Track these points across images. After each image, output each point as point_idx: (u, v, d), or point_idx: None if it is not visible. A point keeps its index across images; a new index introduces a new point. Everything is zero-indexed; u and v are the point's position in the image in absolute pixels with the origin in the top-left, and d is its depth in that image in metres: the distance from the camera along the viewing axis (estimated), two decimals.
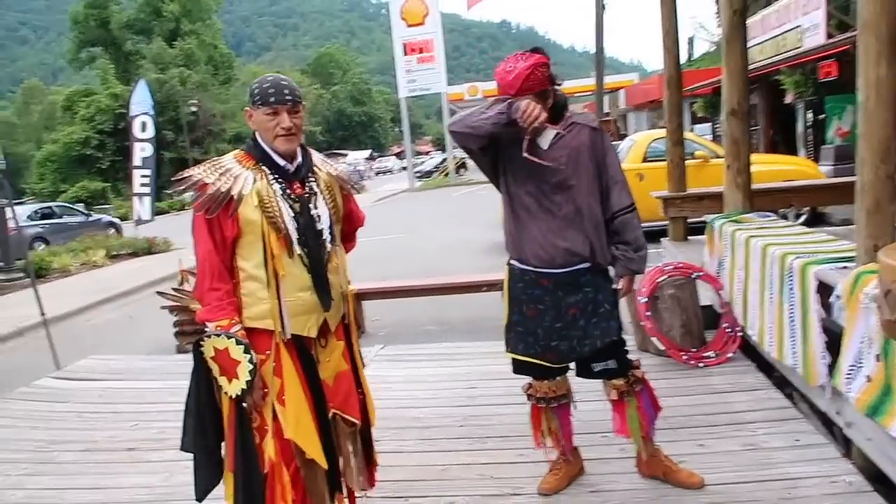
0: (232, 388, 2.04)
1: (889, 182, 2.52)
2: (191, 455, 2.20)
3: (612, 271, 2.65)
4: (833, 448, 2.89)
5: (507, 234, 2.64)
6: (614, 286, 2.62)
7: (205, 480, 2.19)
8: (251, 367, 2.01)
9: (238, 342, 2.02)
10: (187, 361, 2.19)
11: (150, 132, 14.14)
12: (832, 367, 2.79)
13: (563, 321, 2.55)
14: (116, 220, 20.62)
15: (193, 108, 35.83)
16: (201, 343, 2.06)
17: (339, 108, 67.92)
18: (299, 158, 2.20)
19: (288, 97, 2.11)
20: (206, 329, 2.06)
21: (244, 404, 2.08)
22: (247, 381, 2.01)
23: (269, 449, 2.07)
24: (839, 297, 2.60)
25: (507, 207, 2.61)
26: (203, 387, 2.12)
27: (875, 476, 2.59)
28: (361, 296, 6.12)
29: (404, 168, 38.58)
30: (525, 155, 2.38)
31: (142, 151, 13.97)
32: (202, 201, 2.04)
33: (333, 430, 2.24)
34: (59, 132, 40.13)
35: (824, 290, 2.84)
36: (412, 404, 3.82)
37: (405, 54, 29.56)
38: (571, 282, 2.53)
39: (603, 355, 2.58)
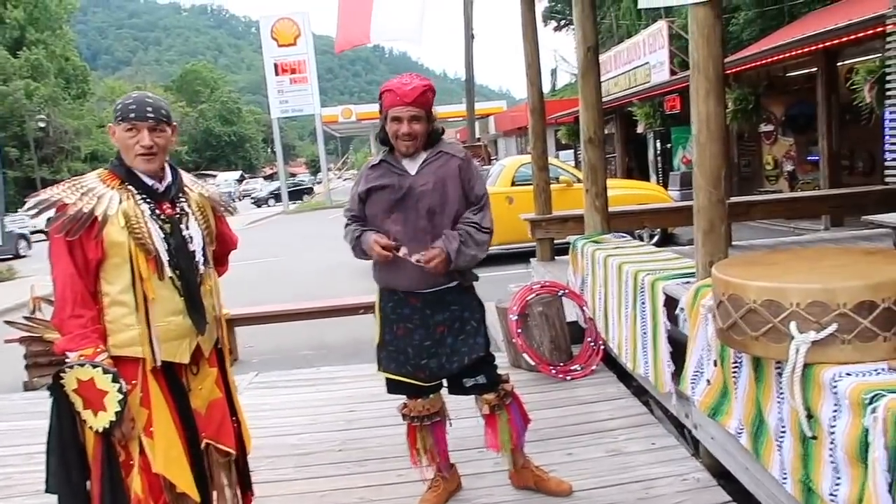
0: (98, 421, 1.92)
1: (720, 205, 2.83)
2: (55, 497, 2.05)
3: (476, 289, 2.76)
4: (683, 449, 3.17)
5: (374, 265, 2.67)
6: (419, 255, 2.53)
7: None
8: (120, 396, 1.91)
9: (105, 371, 1.92)
10: (37, 399, 2.04)
11: None
12: (679, 374, 3.07)
13: (432, 339, 2.63)
14: None
15: (42, 124, 33.05)
16: (62, 375, 1.93)
17: (207, 127, 65.22)
18: (168, 178, 2.14)
19: (150, 114, 2.04)
20: (66, 360, 1.93)
21: (113, 437, 1.97)
22: (116, 413, 1.91)
23: (136, 485, 1.97)
24: (683, 310, 2.88)
25: None
26: (65, 422, 1.98)
27: (719, 472, 2.88)
28: (234, 321, 5.92)
29: (274, 194, 37.57)
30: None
31: None
32: (62, 223, 1.93)
33: (206, 460, 2.16)
34: None
35: (671, 303, 3.14)
36: (289, 431, 3.75)
37: (277, 74, 29.11)
38: (439, 300, 2.62)
39: (472, 371, 2.67)
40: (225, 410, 2.23)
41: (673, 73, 14.20)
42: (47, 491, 2.07)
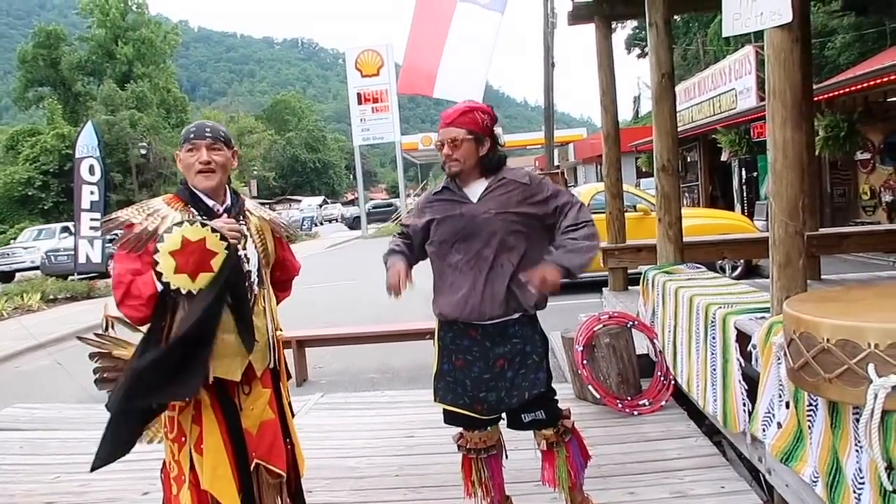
0: (198, 282, 1.96)
1: (797, 238, 2.67)
2: None
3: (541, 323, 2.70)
4: (755, 495, 2.97)
5: (434, 291, 2.66)
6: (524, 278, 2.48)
7: (109, 449, 2.07)
8: (227, 254, 1.99)
9: (214, 230, 2.00)
10: None
11: (98, 175, 13.88)
12: (752, 415, 2.89)
13: (491, 372, 2.57)
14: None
15: (143, 151, 35.31)
16: (162, 238, 1.96)
17: (294, 154, 67.88)
18: (228, 201, 2.23)
19: (208, 134, 2.17)
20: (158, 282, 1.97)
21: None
22: (220, 268, 1.96)
23: (186, 499, 2.02)
24: (755, 347, 2.72)
25: (435, 266, 2.65)
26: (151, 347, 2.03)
27: None
28: (304, 343, 6.07)
29: (356, 217, 38.88)
30: None
31: (91, 195, 13.67)
32: (127, 240, 2.03)
33: (255, 481, 2.19)
34: (1, 172, 38.82)
35: (744, 339, 2.97)
36: (348, 454, 3.77)
37: (360, 104, 29.98)
38: (500, 333, 2.56)
39: (532, 406, 2.59)
40: (277, 432, 2.26)
41: (761, 98, 13.68)
42: (107, 406, 2.07)
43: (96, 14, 43.54)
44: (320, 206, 55.98)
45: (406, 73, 5.28)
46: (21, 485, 3.68)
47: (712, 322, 3.26)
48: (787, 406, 2.38)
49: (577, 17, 6.02)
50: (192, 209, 2.16)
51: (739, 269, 9.04)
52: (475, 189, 2.58)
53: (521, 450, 3.02)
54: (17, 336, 9.38)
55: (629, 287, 6.40)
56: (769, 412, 2.58)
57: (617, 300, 5.88)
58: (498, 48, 5.27)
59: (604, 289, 6.61)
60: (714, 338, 3.24)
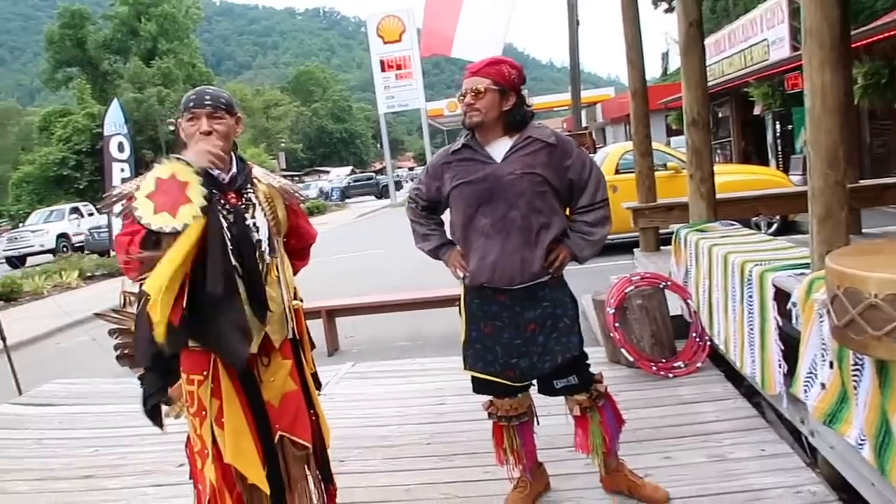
0: (181, 217, 1.82)
1: (838, 188, 2.52)
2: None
3: (570, 285, 2.62)
4: (798, 458, 2.87)
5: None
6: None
7: (153, 386, 2.08)
8: (203, 189, 1.86)
9: (185, 162, 1.89)
10: None
11: (128, 152, 14.03)
12: (791, 376, 2.78)
13: (522, 338, 2.50)
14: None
15: (172, 128, 35.61)
16: (139, 216, 1.85)
17: (320, 125, 67.89)
18: (234, 169, 2.15)
19: (207, 102, 2.08)
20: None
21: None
22: (202, 199, 1.85)
23: (211, 474, 2.00)
24: (795, 304, 2.59)
25: (459, 232, 2.55)
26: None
27: (840, 485, 2.57)
28: (333, 312, 6.07)
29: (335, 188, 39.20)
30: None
31: (121, 172, 13.84)
32: (129, 211, 1.96)
33: (280, 453, 2.16)
34: (36, 153, 39.57)
35: (783, 297, 2.84)
36: (378, 423, 3.76)
37: (383, 71, 29.72)
38: (529, 297, 2.48)
39: (564, 371, 2.52)
40: (300, 403, 2.22)
41: (795, 48, 13.12)
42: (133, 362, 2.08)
43: None
44: (349, 175, 56.08)
45: (426, 37, 5.16)
46: (59, 458, 3.76)
47: (748, 280, 3.13)
48: (831, 366, 2.26)
49: None
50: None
51: (776, 226, 8.77)
52: (499, 148, 2.46)
53: (553, 415, 2.97)
54: (57, 314, 9.61)
55: (661, 247, 6.25)
56: (811, 372, 2.47)
57: (649, 261, 5.75)
58: (519, 7, 5.11)
59: (635, 250, 6.47)
60: (751, 296, 3.11)
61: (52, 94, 54.15)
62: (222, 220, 2.01)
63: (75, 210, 23.01)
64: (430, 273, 9.54)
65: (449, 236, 2.66)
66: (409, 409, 3.94)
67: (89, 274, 14.07)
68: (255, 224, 2.11)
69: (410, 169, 71.41)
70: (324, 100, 70.70)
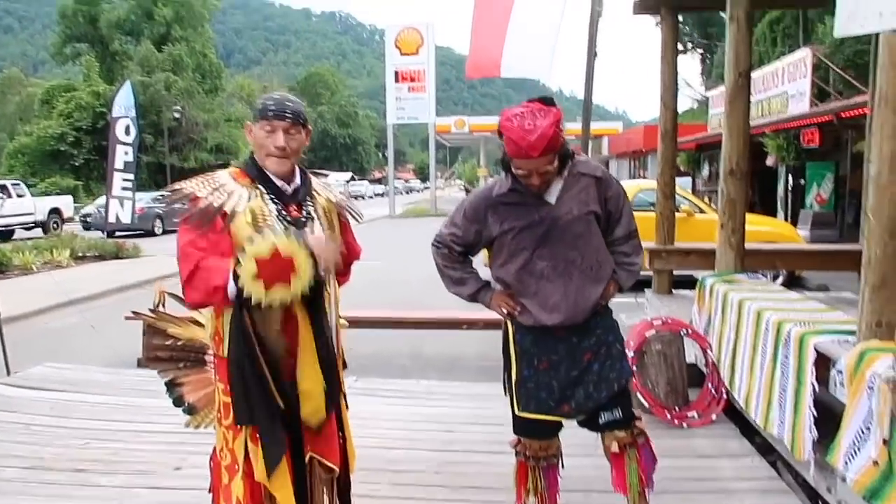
0: (295, 287, 1.83)
1: None
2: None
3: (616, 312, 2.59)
4: None
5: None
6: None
7: (273, 452, 1.94)
8: (307, 251, 1.84)
9: (282, 234, 1.85)
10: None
11: (133, 136, 13.87)
12: (821, 442, 2.71)
13: (579, 368, 2.43)
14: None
15: (176, 115, 35.44)
16: (237, 272, 1.81)
17: (324, 128, 67.89)
18: (297, 181, 2.09)
19: (288, 114, 2.00)
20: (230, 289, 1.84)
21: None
22: (312, 266, 1.83)
23: (238, 490, 1.89)
24: (840, 373, 2.53)
25: (512, 276, 2.43)
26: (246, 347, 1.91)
27: None
28: None
29: (378, 194, 38.56)
30: None
31: (125, 155, 13.64)
32: (192, 214, 1.89)
33: (309, 475, 2.06)
34: (35, 125, 39.23)
35: (822, 362, 2.78)
36: (385, 444, 3.64)
37: (396, 81, 29.76)
38: (585, 325, 2.44)
39: (610, 404, 2.46)
40: (332, 424, 2.13)
41: (814, 104, 13.22)
42: (238, 423, 1.96)
43: None
44: (347, 182, 56.06)
45: (473, 59, 5.11)
46: (50, 448, 3.61)
47: (785, 340, 3.06)
48: (885, 443, 2.19)
49: (643, 6, 5.78)
50: (259, 187, 2.02)
51: (781, 278, 8.76)
52: (551, 189, 2.37)
53: (570, 456, 2.87)
54: (47, 291, 9.40)
55: (673, 290, 6.20)
56: (855, 445, 2.39)
57: (661, 304, 5.68)
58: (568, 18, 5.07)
59: (646, 290, 6.40)
60: (786, 357, 3.04)
61: (57, 67, 53.81)
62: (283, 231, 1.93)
63: (2, 188, 20.56)
64: (432, 292, 9.44)
65: (489, 278, 2.57)
66: (416, 433, 3.83)
67: (80, 254, 13.83)
68: None
69: (406, 181, 71.56)
70: (331, 103, 70.81)
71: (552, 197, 2.37)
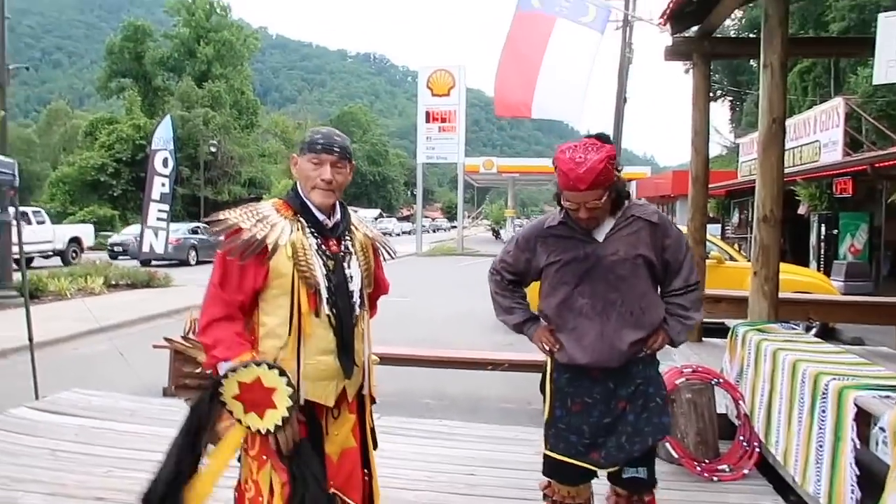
0: (267, 421, 1.86)
1: None
2: None
3: (661, 366, 2.52)
4: None
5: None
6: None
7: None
8: (290, 391, 1.85)
9: (270, 366, 1.87)
10: (174, 407, 2.03)
11: (171, 168, 14.25)
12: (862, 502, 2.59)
13: (612, 416, 2.36)
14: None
15: (213, 149, 36.34)
16: (220, 384, 1.88)
17: (356, 165, 68.85)
18: (338, 215, 2.11)
19: (335, 149, 2.05)
20: (219, 372, 1.90)
21: (281, 435, 1.88)
22: (287, 408, 1.85)
23: None
24: (883, 430, 2.43)
25: (553, 310, 2.42)
26: (189, 439, 1.99)
27: None
28: None
29: (406, 231, 38.71)
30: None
31: (161, 187, 14.03)
32: (235, 246, 1.91)
33: None
34: (77, 155, 40.50)
35: (863, 418, 2.68)
36: (408, 485, 3.58)
37: (427, 122, 30.27)
38: (624, 372, 2.37)
39: (637, 461, 2.38)
40: (357, 461, 2.10)
41: (846, 153, 13.08)
42: (144, 498, 2.01)
43: (182, 13, 45.44)
44: (375, 219, 56.58)
45: (501, 95, 5.15)
46: (73, 475, 3.62)
47: (823, 394, 2.97)
48: None
49: (675, 53, 5.80)
50: (301, 219, 2.04)
51: (815, 329, 8.54)
52: (601, 227, 2.36)
53: None
54: (78, 318, 9.56)
55: (703, 338, 6.08)
56: None
57: (691, 351, 5.58)
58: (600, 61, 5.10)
59: None
60: (824, 411, 2.94)
61: (102, 101, 55.72)
62: (322, 266, 1.95)
63: (23, 215, 21.11)
64: (455, 331, 9.43)
65: (535, 311, 2.55)
66: (438, 474, 3.76)
67: (113, 282, 14.09)
68: (350, 274, 2.04)
69: (433, 220, 71.99)
70: (362, 141, 71.93)
71: (601, 235, 2.36)
